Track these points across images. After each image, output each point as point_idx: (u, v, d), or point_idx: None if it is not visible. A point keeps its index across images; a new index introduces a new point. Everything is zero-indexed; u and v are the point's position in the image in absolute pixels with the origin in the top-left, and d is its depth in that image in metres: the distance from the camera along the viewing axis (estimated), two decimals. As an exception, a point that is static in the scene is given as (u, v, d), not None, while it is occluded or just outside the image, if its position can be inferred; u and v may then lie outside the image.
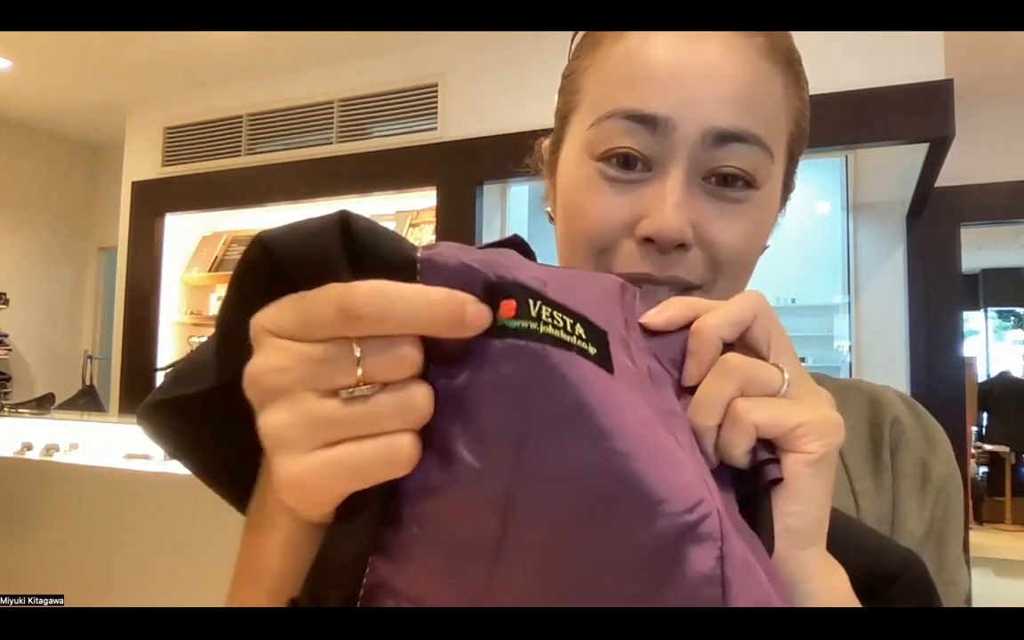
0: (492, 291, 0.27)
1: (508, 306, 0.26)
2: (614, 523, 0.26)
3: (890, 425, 0.54)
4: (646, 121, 0.45)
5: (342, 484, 0.28)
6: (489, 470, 0.26)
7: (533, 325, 0.26)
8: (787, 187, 0.54)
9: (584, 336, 0.27)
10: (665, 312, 0.34)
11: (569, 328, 0.27)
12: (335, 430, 0.28)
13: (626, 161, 0.46)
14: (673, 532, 0.26)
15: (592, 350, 0.27)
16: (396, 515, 0.28)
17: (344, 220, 0.28)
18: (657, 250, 0.45)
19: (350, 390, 0.27)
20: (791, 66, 0.50)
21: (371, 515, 0.28)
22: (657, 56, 0.47)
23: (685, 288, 0.46)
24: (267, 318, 0.28)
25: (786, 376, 0.33)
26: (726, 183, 0.46)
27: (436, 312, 0.26)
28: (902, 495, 0.51)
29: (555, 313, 0.27)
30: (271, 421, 0.28)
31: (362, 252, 0.28)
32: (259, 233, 0.28)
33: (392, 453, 0.27)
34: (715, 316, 0.33)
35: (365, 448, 0.27)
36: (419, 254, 0.28)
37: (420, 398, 0.27)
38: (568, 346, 0.26)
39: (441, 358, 0.27)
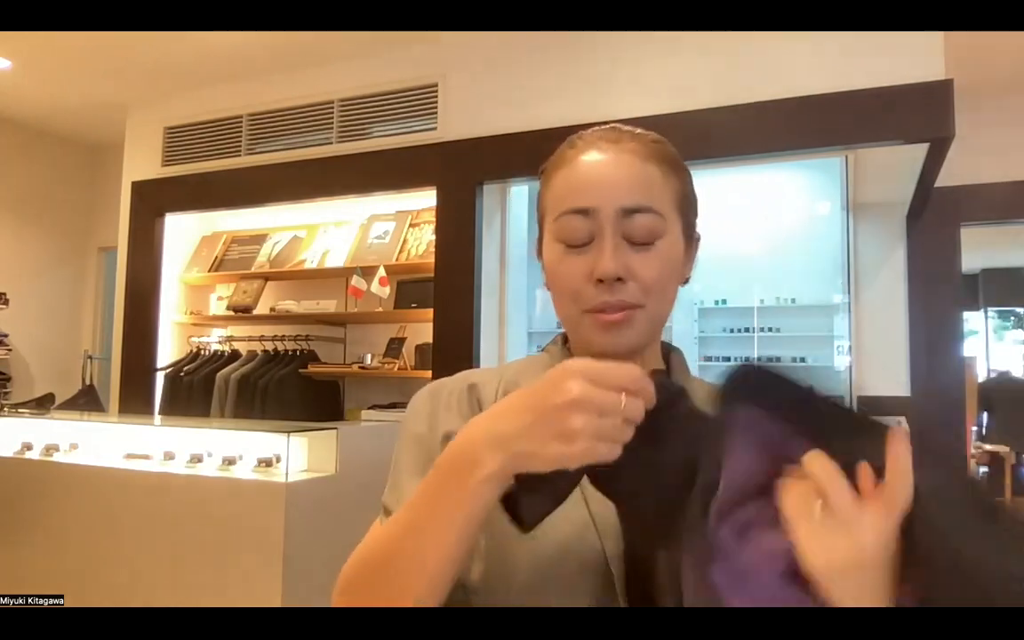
0: None
1: None
2: None
3: None
4: (582, 212, 0.74)
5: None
6: None
7: None
8: (689, 238, 0.80)
9: None
10: None
11: None
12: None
13: (577, 238, 0.75)
14: None
15: None
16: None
17: None
18: (606, 285, 0.73)
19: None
20: (665, 162, 0.77)
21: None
22: (581, 173, 0.75)
23: (628, 307, 0.73)
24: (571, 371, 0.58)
25: None
26: (639, 240, 0.74)
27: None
28: None
29: None
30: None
31: None
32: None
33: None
34: None
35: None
36: None
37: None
38: None
39: None
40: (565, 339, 0.87)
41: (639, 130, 0.78)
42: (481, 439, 0.58)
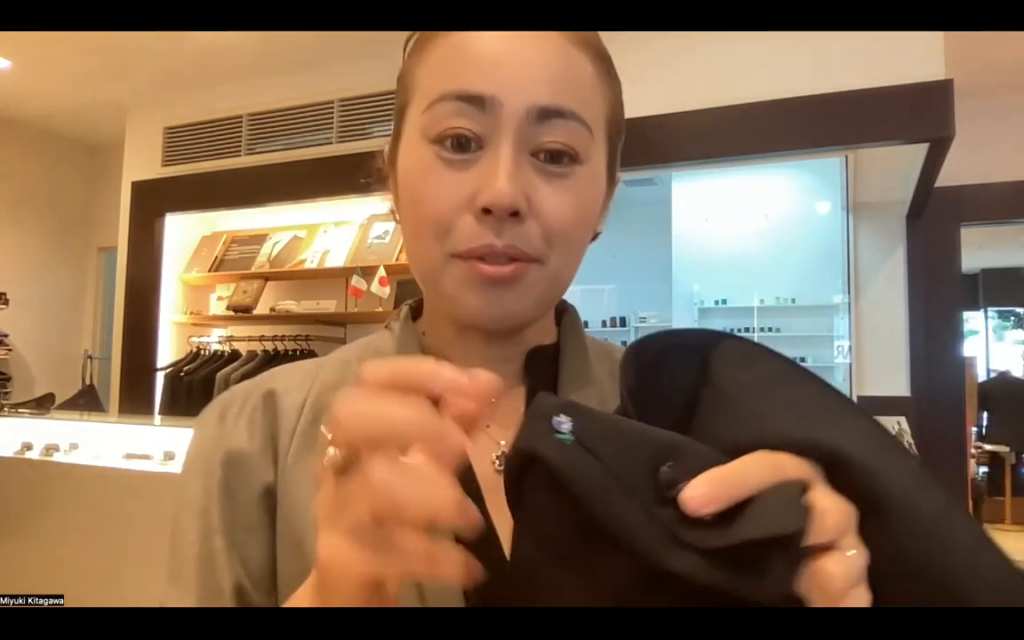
0: None
1: None
2: None
3: None
4: (474, 101, 0.48)
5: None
6: None
7: None
8: (611, 176, 0.57)
9: None
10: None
11: None
12: (333, 509, 0.33)
13: (459, 142, 0.49)
14: None
15: None
16: None
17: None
18: (495, 219, 0.48)
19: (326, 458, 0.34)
20: (601, 59, 0.53)
21: None
22: (482, 44, 0.50)
23: (522, 259, 0.49)
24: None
25: None
26: (553, 159, 0.49)
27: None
28: None
29: None
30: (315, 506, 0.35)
31: None
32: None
33: None
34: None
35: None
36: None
37: (374, 470, 0.31)
38: None
39: None
40: (416, 309, 0.62)
41: None
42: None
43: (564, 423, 0.32)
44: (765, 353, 0.40)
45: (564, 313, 0.60)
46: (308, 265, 4.04)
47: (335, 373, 0.58)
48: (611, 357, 0.61)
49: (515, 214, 0.48)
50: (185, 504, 0.52)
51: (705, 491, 0.32)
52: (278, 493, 0.52)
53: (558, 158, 0.49)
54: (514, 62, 0.49)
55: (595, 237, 0.56)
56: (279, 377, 0.57)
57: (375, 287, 3.67)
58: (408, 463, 0.30)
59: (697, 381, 0.40)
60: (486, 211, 0.47)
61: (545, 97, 0.48)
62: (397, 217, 0.57)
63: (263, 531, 0.51)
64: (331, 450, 0.32)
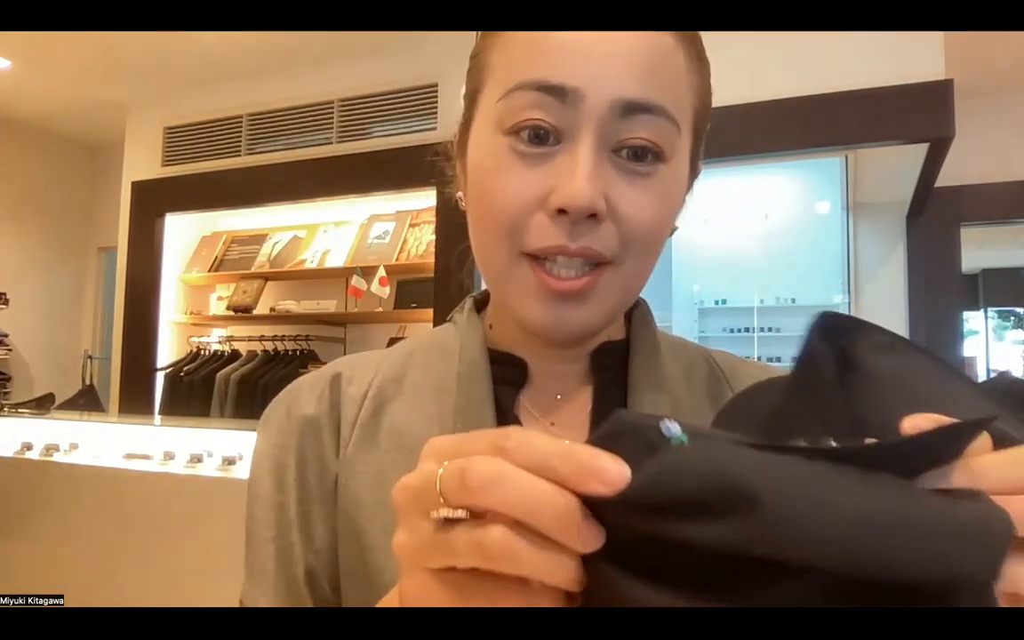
0: None
1: None
2: None
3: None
4: (555, 92, 0.45)
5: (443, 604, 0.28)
6: None
7: None
8: (693, 168, 0.53)
9: None
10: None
11: None
12: (429, 555, 0.28)
13: (536, 134, 0.46)
14: None
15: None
16: None
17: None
18: (570, 221, 0.45)
19: (437, 514, 0.27)
20: (692, 43, 0.50)
21: None
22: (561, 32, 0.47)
23: (596, 261, 0.46)
24: (432, 444, 0.30)
25: None
26: (636, 157, 0.46)
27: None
28: None
29: None
30: (395, 537, 0.30)
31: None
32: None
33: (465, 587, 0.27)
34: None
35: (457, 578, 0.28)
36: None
37: (492, 536, 0.26)
38: None
39: None
40: (481, 301, 0.59)
41: None
42: None
43: (673, 427, 0.26)
44: (913, 347, 0.38)
45: (635, 307, 0.57)
46: (308, 265, 4.04)
47: (397, 367, 0.56)
48: (685, 353, 0.57)
49: (592, 216, 0.45)
50: (258, 498, 0.52)
51: (927, 424, 0.27)
52: (338, 483, 0.51)
53: (641, 156, 0.46)
54: (599, 50, 0.45)
55: (672, 232, 0.53)
56: (344, 364, 0.56)
57: (375, 287, 3.67)
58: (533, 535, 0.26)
59: (838, 367, 0.37)
60: (561, 211, 0.45)
61: (631, 90, 0.45)
62: (464, 206, 0.53)
63: (330, 517, 0.51)
64: (443, 511, 0.27)
